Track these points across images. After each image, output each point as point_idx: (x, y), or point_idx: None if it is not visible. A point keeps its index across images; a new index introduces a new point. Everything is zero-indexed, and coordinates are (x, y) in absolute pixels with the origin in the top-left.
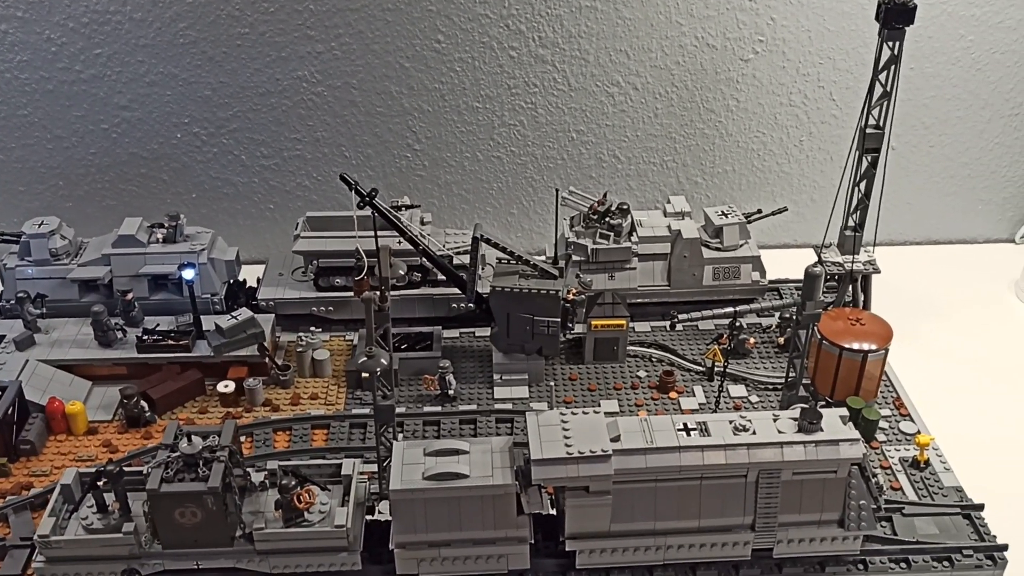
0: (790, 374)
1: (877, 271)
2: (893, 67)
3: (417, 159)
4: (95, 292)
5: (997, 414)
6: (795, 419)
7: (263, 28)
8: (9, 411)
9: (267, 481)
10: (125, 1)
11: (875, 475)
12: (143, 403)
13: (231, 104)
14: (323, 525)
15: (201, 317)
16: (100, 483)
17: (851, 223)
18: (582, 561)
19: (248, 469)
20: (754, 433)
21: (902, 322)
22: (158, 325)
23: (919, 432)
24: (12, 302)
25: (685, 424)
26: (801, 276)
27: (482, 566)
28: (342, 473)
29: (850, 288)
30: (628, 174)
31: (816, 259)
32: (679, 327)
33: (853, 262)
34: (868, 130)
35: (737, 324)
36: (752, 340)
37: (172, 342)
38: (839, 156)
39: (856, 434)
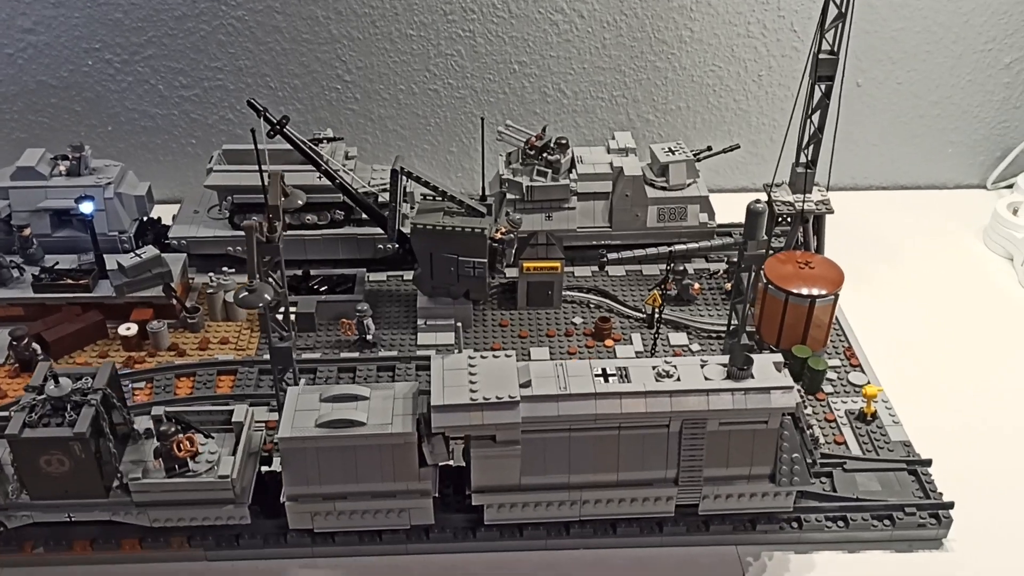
0: (733, 321)
1: (830, 211)
2: None
3: (348, 91)
4: None
5: (955, 367)
6: (724, 365)
7: None
8: None
9: (152, 429)
10: None
11: (810, 427)
12: (35, 346)
13: (145, 28)
14: (208, 476)
15: (105, 256)
16: None
17: (803, 159)
18: (490, 516)
19: (134, 417)
20: (678, 380)
21: (861, 269)
22: (57, 264)
23: (868, 383)
24: None
25: (604, 369)
26: None
27: (382, 521)
28: (233, 420)
29: (801, 230)
30: (575, 110)
31: (765, 197)
32: (611, 270)
33: (804, 201)
34: (821, 56)
35: (681, 268)
36: (697, 286)
37: (71, 281)
38: (802, 92)
39: (790, 382)
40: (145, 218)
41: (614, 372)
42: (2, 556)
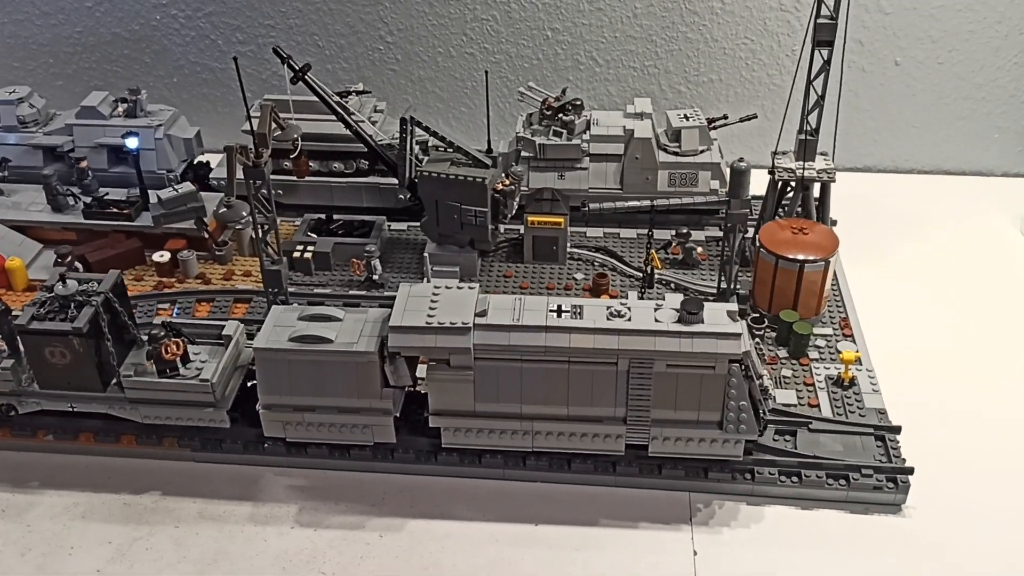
0: (721, 283)
1: (832, 180)
2: None
3: (390, 52)
4: (60, 161)
5: (955, 348)
6: (677, 310)
7: None
8: None
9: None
10: None
11: (760, 376)
12: (78, 265)
13: None
14: (192, 379)
15: (150, 191)
16: None
17: (806, 127)
18: (447, 440)
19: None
20: (629, 320)
21: (885, 248)
22: (107, 194)
23: (847, 351)
24: None
25: (559, 306)
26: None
27: (347, 435)
28: (223, 334)
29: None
30: (607, 79)
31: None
32: (622, 232)
33: (804, 169)
34: (820, 20)
35: (685, 232)
36: (701, 250)
37: (116, 211)
38: (834, 68)
39: (739, 329)
40: (195, 160)
41: (568, 309)
42: (17, 440)
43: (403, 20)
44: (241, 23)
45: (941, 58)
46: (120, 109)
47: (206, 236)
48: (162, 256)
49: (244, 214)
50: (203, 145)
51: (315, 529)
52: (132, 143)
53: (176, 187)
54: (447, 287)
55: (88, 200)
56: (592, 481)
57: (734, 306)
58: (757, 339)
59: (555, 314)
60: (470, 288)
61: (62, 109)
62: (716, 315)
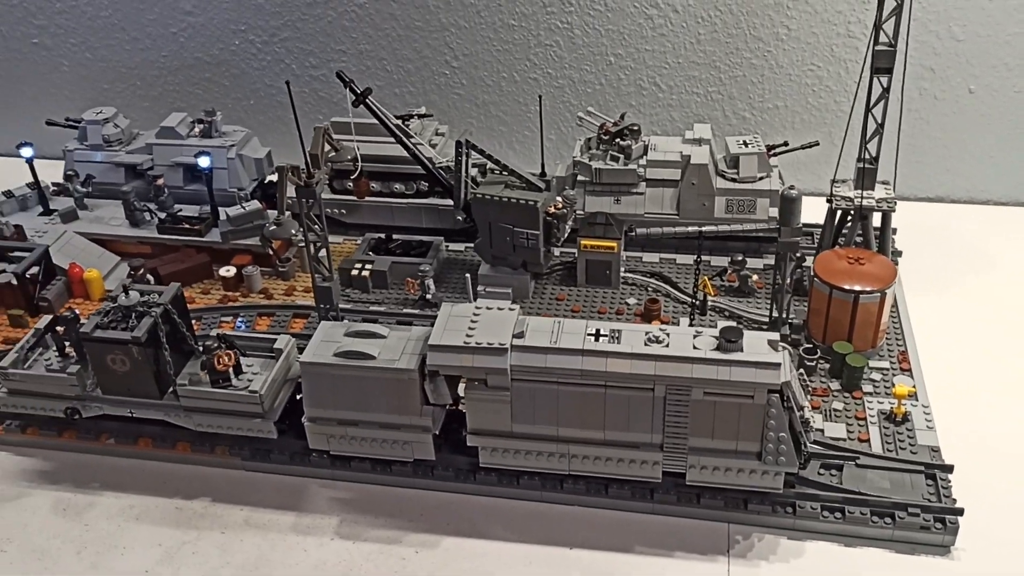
0: (773, 312)
1: (892, 209)
2: None
3: (455, 76)
4: (140, 178)
5: (1022, 385)
6: (716, 337)
7: None
8: (35, 271)
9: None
10: None
11: (802, 408)
12: (149, 277)
13: (282, 13)
14: (242, 390)
15: (220, 208)
16: (57, 328)
17: (865, 155)
18: (484, 459)
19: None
20: (667, 346)
21: (953, 280)
22: (180, 210)
23: (899, 385)
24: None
25: (597, 330)
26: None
27: (388, 451)
28: (274, 347)
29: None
30: (670, 104)
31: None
32: (678, 258)
33: (863, 198)
34: (878, 47)
35: (741, 259)
36: (757, 278)
37: (188, 226)
38: (905, 95)
39: (779, 359)
40: (265, 179)
41: (606, 333)
42: (82, 442)
43: (468, 46)
44: (314, 48)
45: (1017, 86)
46: (196, 130)
47: (271, 252)
48: (228, 271)
49: (293, 231)
50: (273, 165)
51: (353, 542)
52: (204, 162)
53: (244, 205)
54: (488, 308)
55: (163, 216)
56: (629, 507)
57: (775, 335)
58: (802, 370)
59: (593, 338)
60: (511, 309)
61: (146, 129)
62: (756, 344)
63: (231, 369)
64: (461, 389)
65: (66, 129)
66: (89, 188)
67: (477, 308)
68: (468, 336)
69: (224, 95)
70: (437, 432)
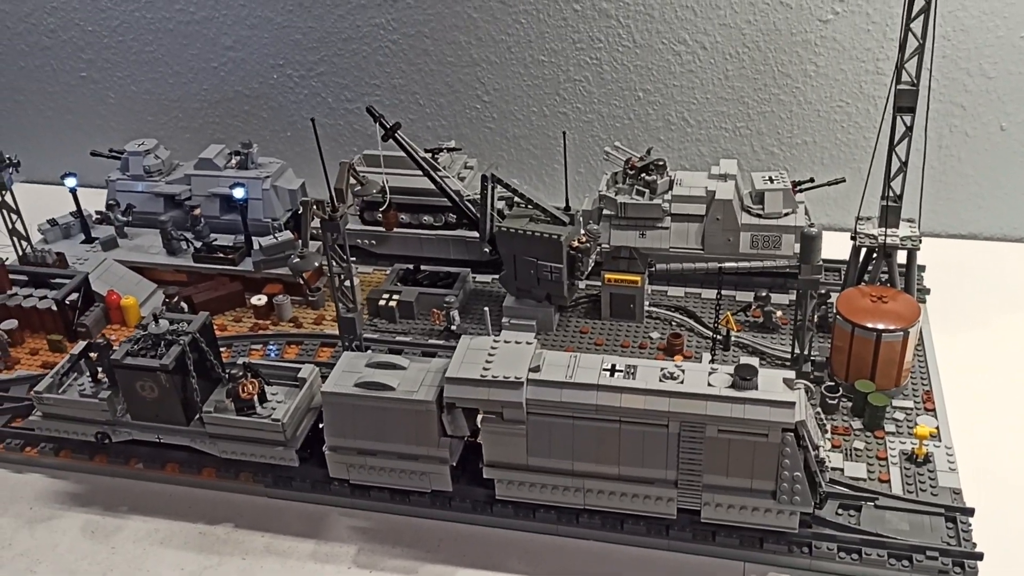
0: (795, 348)
1: (916, 248)
2: (925, 15)
3: (487, 110)
4: (178, 208)
5: None
6: (731, 374)
7: None
8: (75, 298)
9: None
10: None
11: (817, 448)
12: (183, 305)
13: (319, 48)
14: (265, 418)
15: (255, 237)
16: (90, 354)
17: (889, 193)
18: (501, 492)
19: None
20: (681, 383)
21: (986, 320)
22: (216, 240)
23: (920, 425)
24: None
25: (613, 365)
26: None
27: (406, 481)
28: (298, 376)
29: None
30: (698, 139)
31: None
32: (704, 293)
33: (886, 235)
34: (901, 86)
35: (765, 295)
36: (781, 314)
37: (222, 255)
38: (934, 133)
39: (793, 398)
40: (298, 210)
41: (622, 369)
42: (112, 466)
43: (499, 81)
44: (349, 82)
45: None
46: (233, 161)
47: (301, 282)
48: (259, 299)
49: (316, 264)
50: (307, 195)
51: (370, 571)
52: (238, 193)
53: (276, 235)
54: (505, 341)
55: (199, 245)
56: (645, 543)
57: (791, 373)
58: (819, 409)
59: (608, 373)
60: (528, 343)
61: (186, 160)
62: (771, 382)
63: (256, 397)
64: (480, 420)
65: (109, 159)
66: (129, 217)
67: (495, 341)
68: (485, 369)
69: (262, 127)
70: (454, 463)
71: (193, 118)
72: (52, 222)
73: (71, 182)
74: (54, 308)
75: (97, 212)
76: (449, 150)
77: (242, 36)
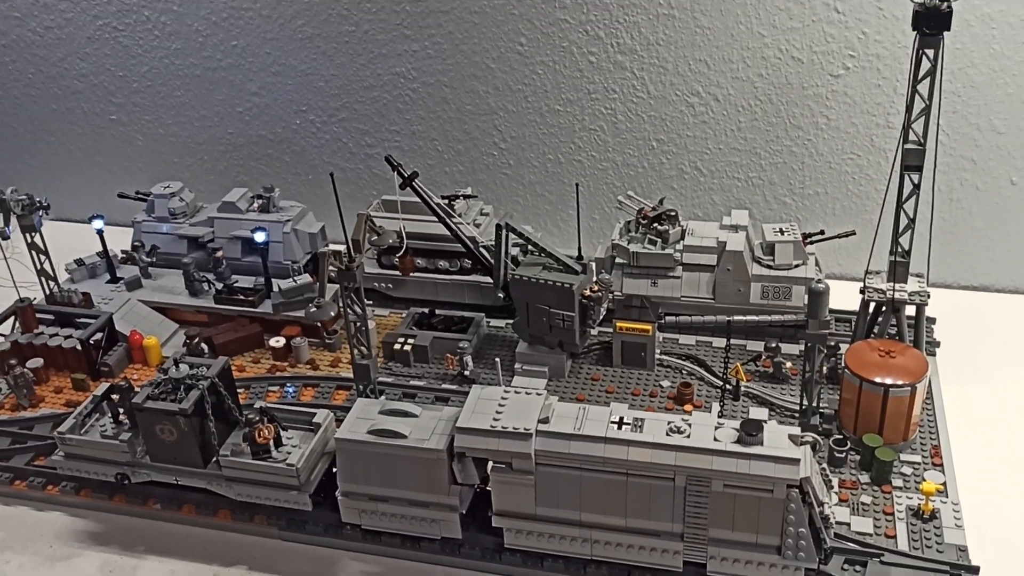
0: (803, 401)
1: (924, 303)
2: (931, 78)
3: (503, 157)
4: (201, 250)
5: None
6: (737, 429)
7: (367, 27)
8: (99, 338)
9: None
10: None
11: (822, 504)
12: (203, 345)
13: (340, 95)
14: (280, 463)
15: (274, 280)
16: (112, 396)
17: (898, 248)
18: (509, 540)
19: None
20: (687, 436)
21: (996, 375)
22: (236, 281)
23: (926, 480)
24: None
25: (621, 418)
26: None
27: (416, 527)
28: (313, 421)
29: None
30: (711, 188)
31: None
32: (715, 342)
33: (895, 290)
34: (908, 146)
35: (775, 346)
36: (791, 365)
37: (242, 297)
38: (945, 186)
39: (798, 454)
40: (317, 252)
41: (629, 422)
42: (130, 506)
43: (516, 129)
44: (369, 128)
45: None
46: (255, 205)
47: (319, 325)
48: (277, 341)
49: (332, 313)
50: (327, 239)
51: None
52: (259, 237)
53: (296, 279)
54: (516, 391)
55: (220, 286)
56: None
57: (796, 429)
58: (824, 465)
59: (616, 426)
60: (539, 394)
61: (210, 201)
62: (776, 438)
63: (271, 442)
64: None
65: (136, 201)
66: (154, 258)
67: (506, 392)
68: (495, 420)
69: (284, 170)
70: (464, 511)
71: (217, 161)
72: (79, 262)
73: (98, 224)
74: (79, 347)
75: (123, 252)
76: (465, 197)
77: (267, 83)
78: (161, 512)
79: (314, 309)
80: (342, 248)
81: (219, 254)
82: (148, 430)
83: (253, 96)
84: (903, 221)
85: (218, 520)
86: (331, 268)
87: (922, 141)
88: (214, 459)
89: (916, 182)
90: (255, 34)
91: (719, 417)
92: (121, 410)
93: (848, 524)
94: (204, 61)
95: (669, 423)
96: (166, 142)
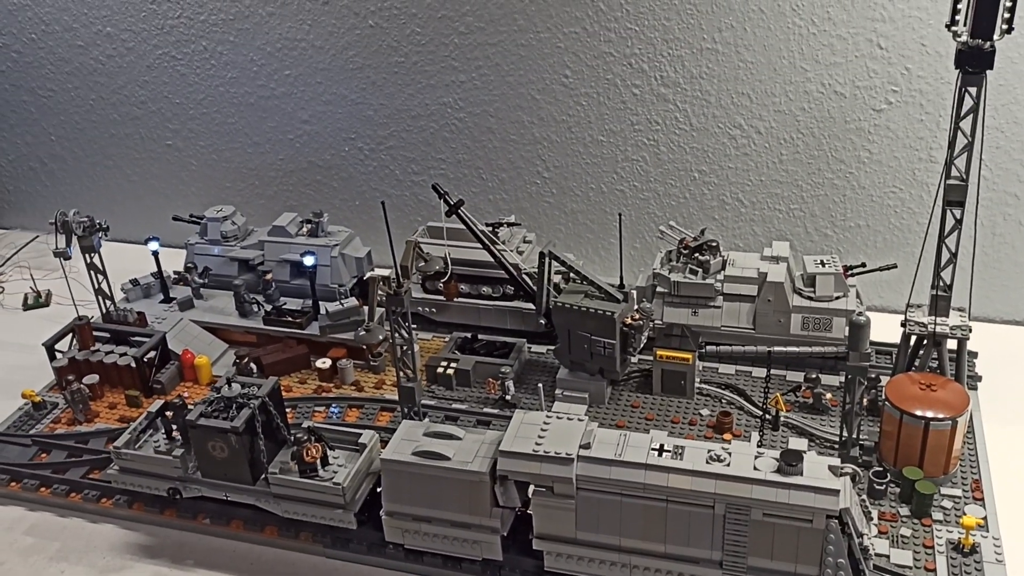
0: (843, 432)
1: (966, 337)
2: (973, 115)
3: (546, 186)
4: (251, 272)
5: None
6: (777, 459)
7: (416, 58)
8: (152, 356)
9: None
10: (308, 30)
11: (861, 536)
12: (252, 366)
13: (388, 124)
14: (327, 482)
15: (322, 303)
16: (166, 413)
17: (939, 283)
18: (549, 563)
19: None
20: (727, 465)
21: None
22: (285, 304)
23: (967, 515)
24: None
25: (661, 445)
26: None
27: (458, 548)
28: (359, 442)
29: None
30: (752, 219)
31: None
32: (755, 371)
33: (936, 324)
34: (950, 181)
35: (814, 377)
36: (830, 395)
37: (290, 319)
38: (988, 221)
39: (838, 485)
40: (364, 277)
41: (670, 449)
42: (181, 520)
43: (559, 159)
44: (416, 156)
45: None
46: (305, 229)
47: (364, 348)
48: (324, 363)
49: (380, 337)
50: (372, 263)
51: None
52: (308, 261)
53: (343, 302)
54: (558, 417)
55: (269, 308)
56: None
57: (836, 460)
58: (864, 496)
59: (656, 452)
60: (580, 419)
61: (260, 225)
62: (816, 468)
63: (318, 461)
64: (531, 493)
65: (189, 224)
66: (206, 280)
67: (548, 416)
68: (537, 444)
69: (332, 195)
70: (505, 533)
71: (268, 186)
72: (134, 282)
73: (154, 246)
74: (133, 365)
75: (175, 272)
76: (509, 225)
77: (317, 111)
78: (210, 527)
79: (363, 332)
80: (389, 272)
81: (269, 276)
82: (200, 447)
83: (304, 124)
84: (945, 256)
85: (265, 536)
86: (380, 293)
87: (964, 177)
88: (263, 476)
89: (958, 217)
90: (307, 64)
91: (758, 447)
92: (174, 427)
93: (887, 556)
94: (258, 90)
95: (709, 451)
96: (219, 167)
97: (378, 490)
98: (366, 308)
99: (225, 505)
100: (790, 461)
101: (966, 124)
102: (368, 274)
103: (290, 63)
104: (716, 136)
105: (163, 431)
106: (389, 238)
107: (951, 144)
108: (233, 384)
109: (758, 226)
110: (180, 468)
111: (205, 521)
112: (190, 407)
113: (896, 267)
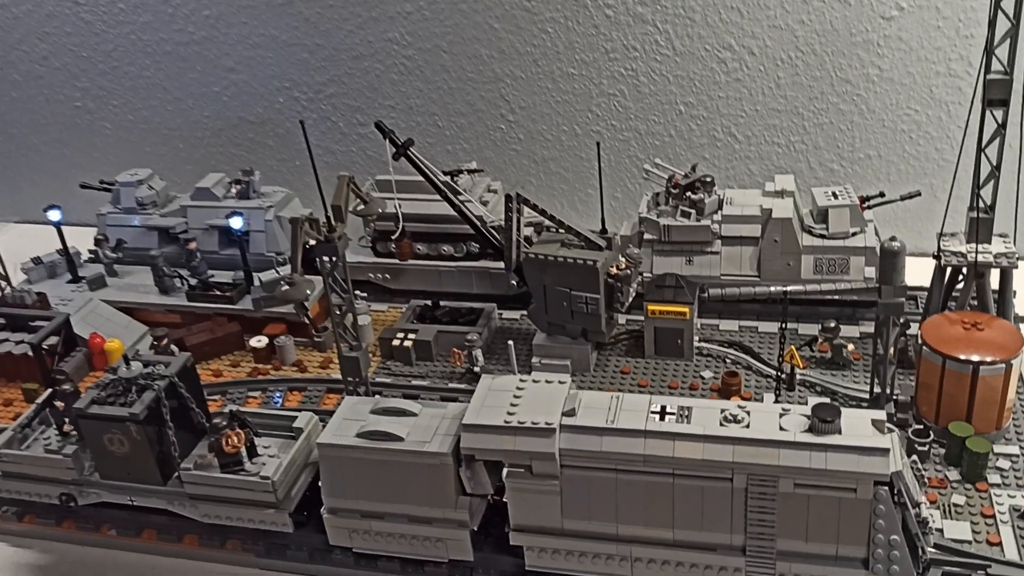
0: (874, 387)
1: (1013, 265)
2: None
3: (512, 131)
4: (174, 243)
5: None
6: (808, 416)
7: None
8: (55, 342)
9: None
10: None
11: (917, 505)
12: (174, 348)
13: (327, 68)
14: (251, 476)
15: (256, 274)
16: (55, 403)
17: (979, 203)
18: (531, 561)
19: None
20: (747, 426)
21: None
22: (213, 276)
23: None
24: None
25: (663, 407)
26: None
27: (418, 548)
28: (294, 426)
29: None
30: (747, 156)
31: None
32: (761, 326)
33: (978, 252)
34: (991, 76)
35: (833, 326)
36: (852, 347)
37: (218, 293)
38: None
39: (887, 443)
40: (308, 243)
41: (674, 411)
42: (81, 533)
43: (525, 98)
44: (361, 104)
45: None
46: (234, 191)
47: (306, 321)
48: (259, 341)
49: (308, 292)
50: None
51: None
52: (236, 224)
53: (279, 270)
54: (534, 380)
55: (193, 282)
56: None
57: (882, 414)
58: (915, 457)
59: (658, 416)
60: (561, 383)
61: (187, 192)
62: (858, 424)
63: (243, 451)
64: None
65: (100, 192)
66: (119, 254)
67: (522, 381)
68: (510, 414)
69: (269, 155)
70: (476, 528)
71: (195, 148)
72: (36, 260)
73: (55, 215)
74: (30, 353)
75: (90, 251)
76: (470, 171)
77: (244, 57)
78: (117, 539)
79: (286, 287)
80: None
81: (192, 245)
82: (96, 441)
83: (230, 73)
84: (985, 169)
85: (184, 547)
86: (307, 238)
87: (1008, 70)
88: (175, 474)
89: (1001, 120)
90: (229, 2)
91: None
92: (66, 419)
93: (941, 530)
94: (174, 35)
95: (723, 411)
96: (136, 129)
97: (319, 484)
98: (311, 278)
99: (134, 512)
100: (825, 417)
101: (1008, 3)
102: (291, 216)
103: (208, 2)
104: (703, 60)
105: (54, 425)
106: (312, 165)
107: (991, 25)
108: (133, 363)
109: (754, 164)
110: (73, 469)
111: (110, 532)
112: (82, 394)
113: (920, 194)
